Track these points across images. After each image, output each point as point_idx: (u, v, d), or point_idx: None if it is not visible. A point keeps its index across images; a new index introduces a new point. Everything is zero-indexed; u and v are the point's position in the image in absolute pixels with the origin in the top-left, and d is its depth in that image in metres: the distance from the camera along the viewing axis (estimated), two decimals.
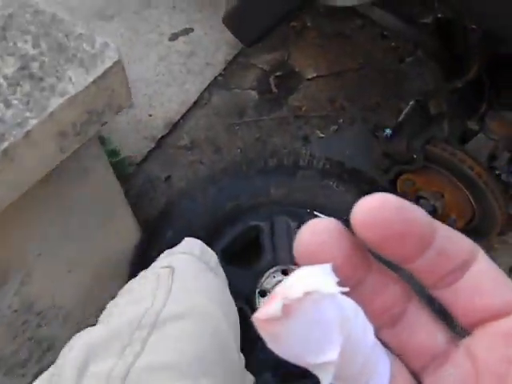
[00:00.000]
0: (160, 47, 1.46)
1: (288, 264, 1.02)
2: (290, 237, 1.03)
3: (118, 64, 0.49)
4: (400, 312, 0.19)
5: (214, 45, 1.47)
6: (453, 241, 0.17)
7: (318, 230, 0.17)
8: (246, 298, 0.98)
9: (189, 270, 0.64)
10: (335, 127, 1.37)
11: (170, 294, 0.53)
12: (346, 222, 0.18)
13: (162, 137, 1.34)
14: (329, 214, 1.03)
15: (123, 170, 1.16)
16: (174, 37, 1.48)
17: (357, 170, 1.05)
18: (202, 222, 0.98)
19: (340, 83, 1.46)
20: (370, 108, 1.41)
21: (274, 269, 1.01)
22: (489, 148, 0.89)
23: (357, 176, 1.04)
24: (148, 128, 1.34)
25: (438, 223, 0.17)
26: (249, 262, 1.03)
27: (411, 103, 1.26)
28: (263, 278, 1.01)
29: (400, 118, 1.25)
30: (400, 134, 0.97)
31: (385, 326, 0.19)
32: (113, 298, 0.60)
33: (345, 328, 0.16)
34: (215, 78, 1.43)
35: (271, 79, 1.44)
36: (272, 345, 0.16)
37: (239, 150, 1.34)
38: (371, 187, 1.02)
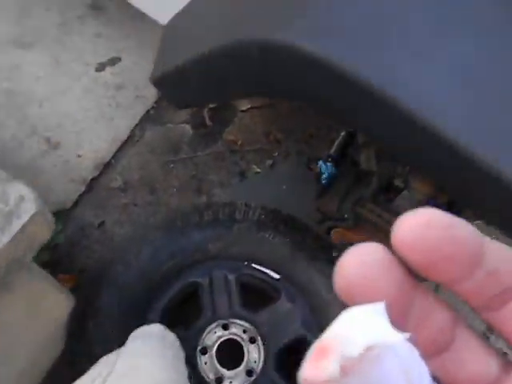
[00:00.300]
0: (85, 79, 1.39)
1: (228, 318, 1.03)
2: (229, 290, 1.03)
3: (38, 214, 0.45)
4: (448, 340, 0.16)
5: (144, 75, 1.41)
6: (504, 259, 0.16)
7: (365, 260, 0.15)
8: (187, 357, 0.98)
9: (135, 346, 0.72)
10: (270, 161, 1.39)
11: (115, 364, 0.63)
12: None
13: (93, 179, 1.28)
14: (267, 266, 1.05)
15: (53, 240, 1.09)
16: (100, 67, 1.41)
17: (292, 217, 1.07)
18: (139, 286, 0.96)
19: (274, 114, 1.46)
20: (304, 140, 1.43)
21: (215, 324, 1.02)
22: (413, 206, 0.94)
23: (292, 225, 1.06)
24: (77, 170, 1.28)
25: (487, 240, 0.15)
26: (188, 318, 1.03)
27: (342, 134, 1.30)
28: (204, 335, 1.01)
29: (332, 150, 1.29)
30: (331, 193, 1.00)
31: (431, 357, 0.16)
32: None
33: (408, 380, 0.14)
34: (147, 111, 1.38)
35: (205, 112, 1.42)
36: None
37: (175, 190, 1.32)
38: (306, 236, 1.05)
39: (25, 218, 0.44)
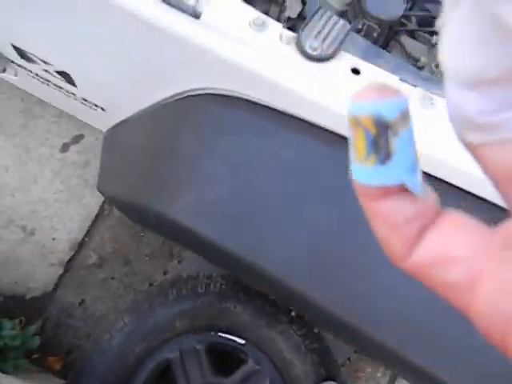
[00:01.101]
0: (53, 161, 1.47)
1: None
2: (200, 360, 1.12)
3: None
4: None
5: None
6: None
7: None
8: None
9: None
10: None
11: None
12: None
13: (70, 259, 1.37)
14: (232, 333, 1.14)
15: (28, 346, 1.16)
16: (65, 147, 1.50)
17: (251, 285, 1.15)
18: (115, 372, 1.06)
19: None
20: None
21: None
22: None
23: (251, 292, 1.14)
24: (54, 253, 1.37)
25: None
26: None
27: None
28: None
29: None
30: None
31: None
32: None
33: None
34: None
35: None
36: None
37: (147, 258, 1.41)
38: (265, 301, 1.13)
39: None
